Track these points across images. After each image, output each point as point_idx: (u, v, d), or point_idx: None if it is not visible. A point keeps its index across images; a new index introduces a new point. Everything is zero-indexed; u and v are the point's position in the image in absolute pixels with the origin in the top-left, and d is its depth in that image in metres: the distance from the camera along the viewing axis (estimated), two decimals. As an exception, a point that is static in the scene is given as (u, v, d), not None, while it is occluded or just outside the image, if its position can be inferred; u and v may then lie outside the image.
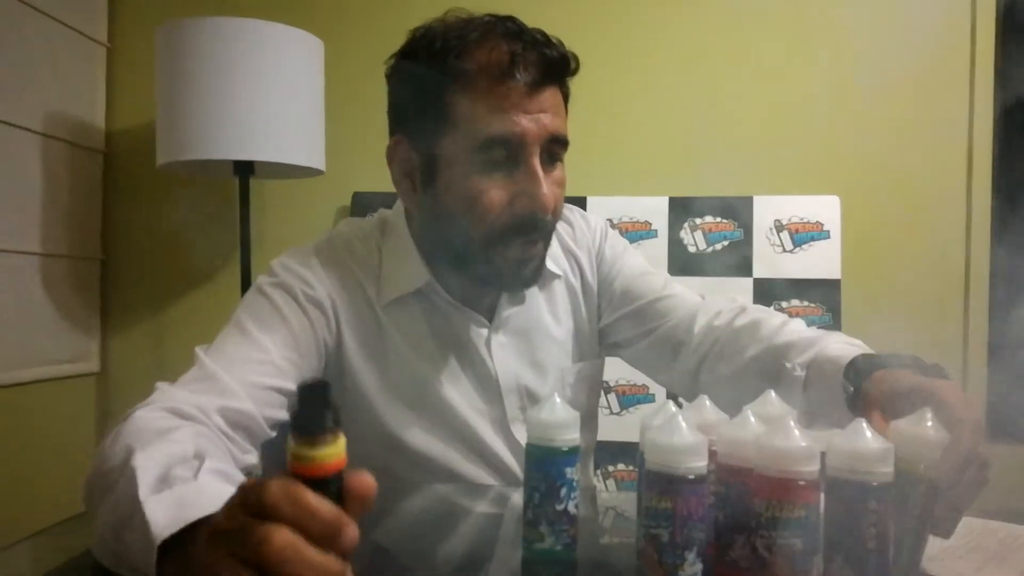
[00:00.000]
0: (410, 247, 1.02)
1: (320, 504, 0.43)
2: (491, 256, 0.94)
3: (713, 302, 1.10)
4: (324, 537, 0.43)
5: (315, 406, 0.43)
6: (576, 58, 0.95)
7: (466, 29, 0.92)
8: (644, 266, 1.17)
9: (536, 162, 0.91)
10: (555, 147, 0.94)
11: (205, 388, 0.83)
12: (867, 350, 0.90)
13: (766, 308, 1.09)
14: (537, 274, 1.00)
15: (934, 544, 0.69)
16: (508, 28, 0.92)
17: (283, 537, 0.42)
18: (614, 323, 1.13)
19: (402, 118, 1.00)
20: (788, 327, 1.01)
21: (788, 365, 0.95)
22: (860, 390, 0.82)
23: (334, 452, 0.43)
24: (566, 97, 0.97)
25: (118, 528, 0.61)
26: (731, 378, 1.02)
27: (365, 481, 0.45)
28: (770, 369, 0.98)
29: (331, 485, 0.44)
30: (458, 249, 0.95)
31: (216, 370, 0.84)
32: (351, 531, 0.43)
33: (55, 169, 1.99)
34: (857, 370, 0.84)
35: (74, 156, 2.06)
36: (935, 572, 0.66)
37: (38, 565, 0.68)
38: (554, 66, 0.92)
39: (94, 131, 2.14)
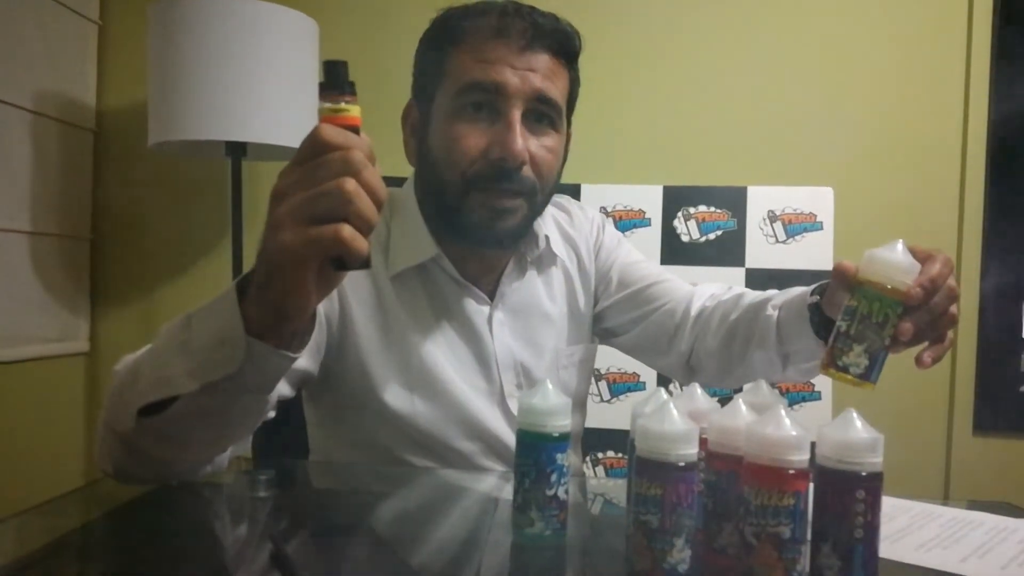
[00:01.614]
0: (418, 220, 1.03)
1: (359, 137, 0.61)
2: (467, 204, 0.95)
3: (707, 287, 1.13)
4: (371, 159, 0.60)
5: (340, 73, 0.59)
6: (579, 37, 0.99)
7: (480, 5, 0.97)
8: (639, 256, 1.20)
9: (515, 114, 0.93)
10: (543, 108, 0.96)
11: None
12: None
13: (757, 291, 1.10)
14: (516, 234, 1.01)
15: (919, 534, 0.70)
16: (518, 5, 0.96)
17: (357, 152, 0.60)
18: (610, 307, 1.15)
19: (415, 82, 1.04)
20: (770, 291, 1.05)
21: (765, 310, 0.99)
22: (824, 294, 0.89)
23: (355, 110, 0.61)
24: (573, 80, 1.01)
25: (164, 356, 0.69)
26: (718, 348, 1.05)
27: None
28: (750, 323, 1.01)
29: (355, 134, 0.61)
30: (439, 198, 0.98)
31: None
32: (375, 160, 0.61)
33: (45, 147, 1.97)
34: (823, 286, 0.90)
35: (64, 134, 2.04)
36: (920, 562, 0.66)
37: (25, 543, 0.69)
38: (546, 31, 0.95)
39: (85, 109, 2.12)
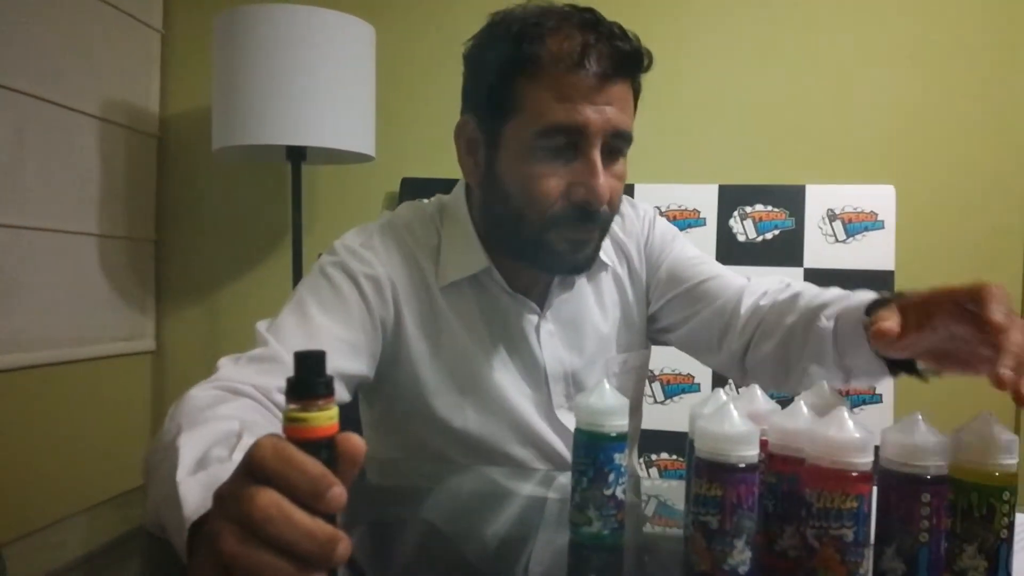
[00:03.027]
0: (470, 232, 1.03)
1: (306, 460, 0.44)
2: (544, 241, 0.94)
3: (759, 283, 1.09)
4: (310, 494, 0.43)
5: (310, 373, 0.46)
6: (650, 55, 0.95)
7: (543, 17, 0.92)
8: (692, 251, 1.17)
9: (596, 154, 0.91)
10: (618, 142, 0.94)
11: (268, 369, 0.84)
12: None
13: (812, 285, 1.07)
14: (590, 261, 1.00)
15: None
16: (585, 19, 0.92)
17: (267, 496, 0.43)
18: (662, 308, 1.14)
19: (472, 98, 1.00)
20: (827, 292, 1.00)
21: (819, 319, 0.95)
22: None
23: (325, 417, 0.45)
24: (636, 93, 0.97)
25: (160, 506, 0.62)
26: (774, 352, 1.02)
27: (354, 441, 0.46)
28: (806, 330, 0.97)
29: (322, 449, 0.45)
30: (513, 231, 0.96)
31: (279, 351, 0.86)
32: (338, 491, 0.44)
33: (112, 153, 2.04)
34: (879, 301, 0.84)
35: (130, 140, 2.11)
36: None
37: (93, 537, 0.71)
38: (626, 59, 0.91)
39: (149, 116, 2.19)
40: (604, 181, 0.91)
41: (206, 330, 2.24)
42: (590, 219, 0.93)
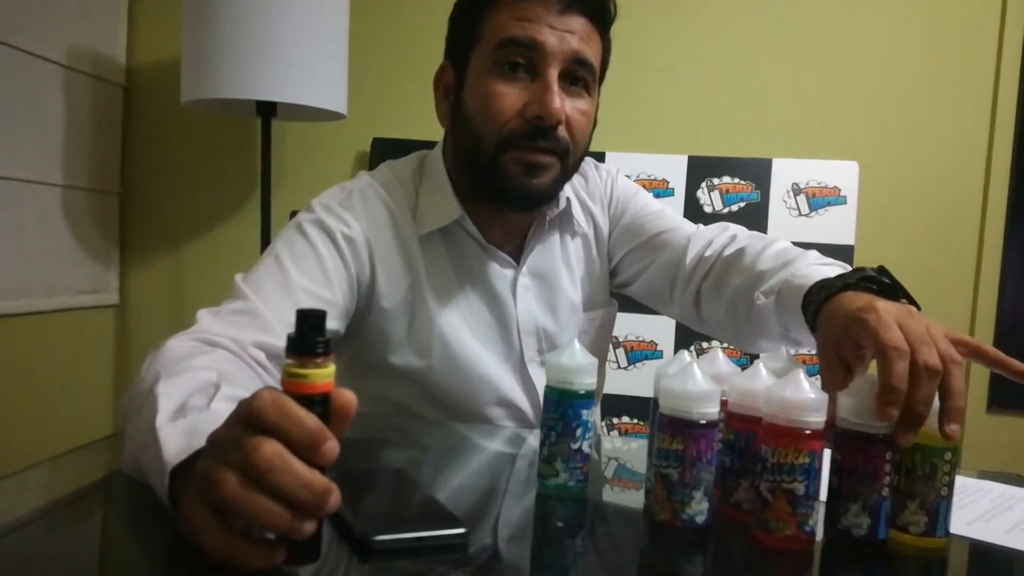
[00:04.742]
0: (445, 183, 1.05)
1: (304, 415, 0.47)
2: (502, 160, 0.96)
3: (706, 230, 1.11)
4: (306, 446, 0.46)
5: (310, 331, 0.48)
6: (615, 3, 1.00)
7: None
8: (654, 206, 1.19)
9: (552, 73, 0.94)
10: (580, 70, 0.97)
11: (246, 322, 0.85)
12: (832, 271, 0.88)
13: (757, 234, 1.08)
14: (548, 192, 1.02)
15: (966, 511, 0.72)
16: None
17: (271, 446, 0.46)
18: (621, 261, 1.17)
19: (449, 44, 1.04)
20: (767, 252, 0.99)
21: (756, 296, 0.95)
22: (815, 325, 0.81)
23: (323, 374, 0.48)
24: (606, 46, 1.02)
25: (138, 451, 0.64)
26: (724, 317, 1.04)
27: (347, 397, 0.49)
28: (748, 304, 0.98)
29: (317, 405, 0.48)
30: (473, 159, 0.99)
31: (258, 306, 0.87)
32: (332, 444, 0.47)
33: (77, 102, 2.00)
34: (811, 303, 0.83)
35: (96, 89, 2.07)
36: (966, 534, 0.69)
37: (54, 488, 0.72)
38: None
39: (115, 65, 2.15)
40: (560, 102, 0.94)
41: (171, 285, 2.23)
42: (543, 136, 0.95)
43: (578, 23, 0.95)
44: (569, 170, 1.02)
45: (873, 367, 0.67)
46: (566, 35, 0.94)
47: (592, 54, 0.98)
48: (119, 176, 2.19)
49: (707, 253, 1.07)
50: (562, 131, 0.96)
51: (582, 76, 0.97)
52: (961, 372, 0.64)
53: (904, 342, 0.64)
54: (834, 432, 0.64)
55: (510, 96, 0.95)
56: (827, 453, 0.64)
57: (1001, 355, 0.71)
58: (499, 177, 0.97)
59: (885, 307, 0.68)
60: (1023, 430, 1.97)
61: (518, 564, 0.60)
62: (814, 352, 0.80)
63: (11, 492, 0.68)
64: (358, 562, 0.56)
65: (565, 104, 0.95)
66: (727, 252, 1.05)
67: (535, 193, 0.99)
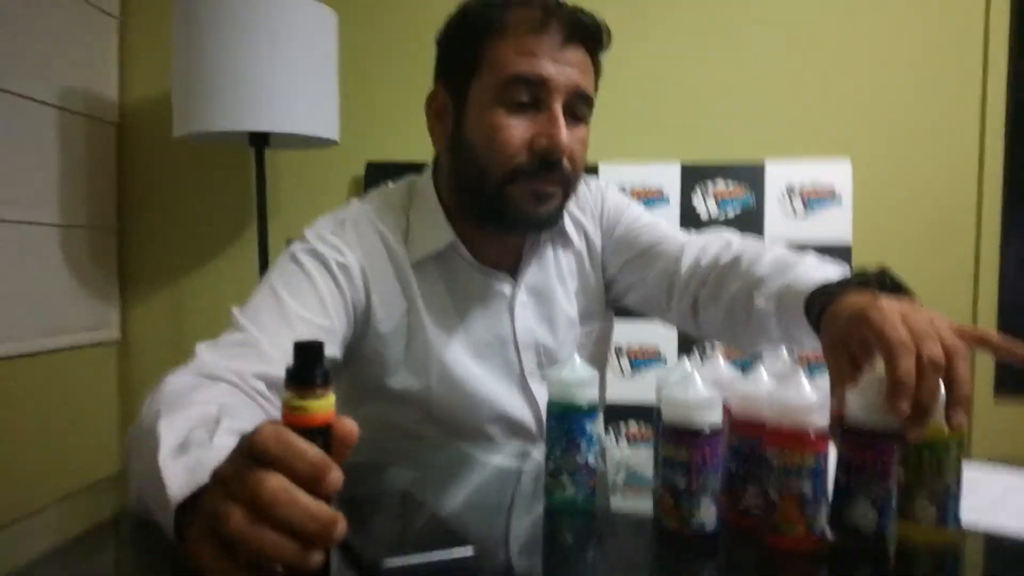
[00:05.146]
0: (437, 209, 1.05)
1: (307, 447, 0.47)
2: (508, 194, 0.97)
3: (699, 239, 1.12)
4: (310, 478, 0.46)
5: (308, 363, 0.49)
6: (609, 32, 1.01)
7: None
8: (646, 218, 1.19)
9: (558, 107, 0.95)
10: (579, 104, 0.98)
11: (246, 354, 0.86)
12: (832, 273, 0.89)
13: (752, 240, 1.08)
14: (554, 218, 1.03)
15: (977, 498, 0.72)
16: None
17: (276, 480, 0.46)
18: (616, 274, 1.17)
19: (442, 68, 1.04)
20: (764, 258, 1.00)
21: (755, 301, 0.96)
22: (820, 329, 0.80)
23: (323, 405, 0.49)
24: (598, 70, 1.02)
25: (143, 489, 0.64)
26: (723, 322, 1.04)
27: (348, 426, 0.50)
28: (746, 307, 0.98)
29: (319, 436, 0.48)
30: (477, 188, 0.99)
31: (257, 337, 0.88)
32: (336, 474, 0.47)
33: (71, 142, 2.01)
34: (813, 306, 0.83)
35: (89, 128, 2.08)
36: (977, 523, 0.69)
37: (62, 529, 0.72)
38: (585, 27, 0.97)
39: (108, 103, 2.16)
40: (567, 136, 0.95)
41: (171, 318, 2.23)
42: (552, 170, 0.96)
43: (577, 55, 0.97)
44: (570, 195, 1.04)
45: (880, 364, 0.67)
46: (567, 68, 0.96)
47: (590, 86, 1.00)
48: (115, 212, 2.20)
49: (703, 261, 1.08)
50: (566, 162, 0.97)
51: (581, 108, 0.99)
52: (966, 362, 0.65)
53: (909, 337, 0.64)
54: (841, 430, 0.64)
55: (517, 129, 0.96)
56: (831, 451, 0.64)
57: (1007, 341, 0.71)
58: (507, 207, 0.98)
59: (888, 303, 0.69)
60: (1031, 420, 1.97)
61: (529, 581, 0.60)
62: (817, 351, 0.80)
63: (22, 535, 0.67)
64: (368, 587, 0.55)
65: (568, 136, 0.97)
66: (723, 259, 1.06)
67: (543, 220, 1.02)
